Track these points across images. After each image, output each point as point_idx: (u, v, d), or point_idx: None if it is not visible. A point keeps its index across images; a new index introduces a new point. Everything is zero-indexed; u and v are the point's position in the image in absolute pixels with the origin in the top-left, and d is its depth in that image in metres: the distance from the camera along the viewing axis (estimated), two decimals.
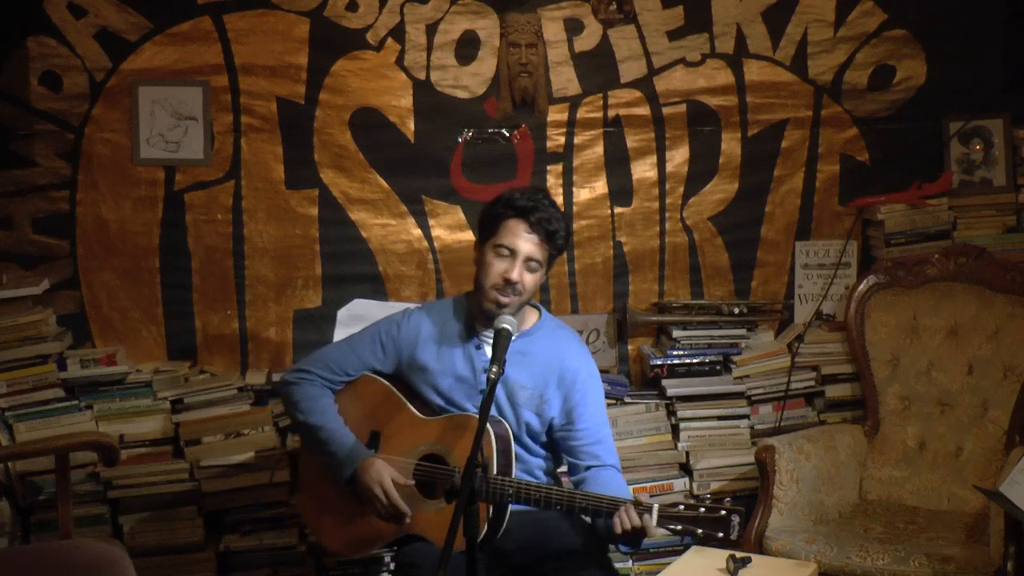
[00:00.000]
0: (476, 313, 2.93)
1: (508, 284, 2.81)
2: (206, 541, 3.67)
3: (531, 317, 2.99)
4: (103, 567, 2.72)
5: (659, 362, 3.89)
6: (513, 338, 2.87)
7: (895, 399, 3.77)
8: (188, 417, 3.68)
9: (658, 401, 3.87)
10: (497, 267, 2.83)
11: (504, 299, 2.82)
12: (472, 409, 2.87)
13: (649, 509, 2.58)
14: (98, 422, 3.66)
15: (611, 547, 2.89)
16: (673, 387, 3.85)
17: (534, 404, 2.91)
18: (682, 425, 3.84)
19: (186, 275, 3.85)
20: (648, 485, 3.74)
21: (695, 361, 3.89)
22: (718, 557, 2.65)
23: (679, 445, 3.84)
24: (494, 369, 2.51)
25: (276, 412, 3.72)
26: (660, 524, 2.57)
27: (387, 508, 2.79)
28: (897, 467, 3.69)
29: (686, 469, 3.84)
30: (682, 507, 2.58)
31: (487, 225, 2.89)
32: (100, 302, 3.82)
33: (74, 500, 3.22)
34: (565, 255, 3.84)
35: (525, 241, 2.83)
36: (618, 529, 2.60)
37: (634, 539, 2.63)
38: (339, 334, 3.48)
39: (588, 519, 2.84)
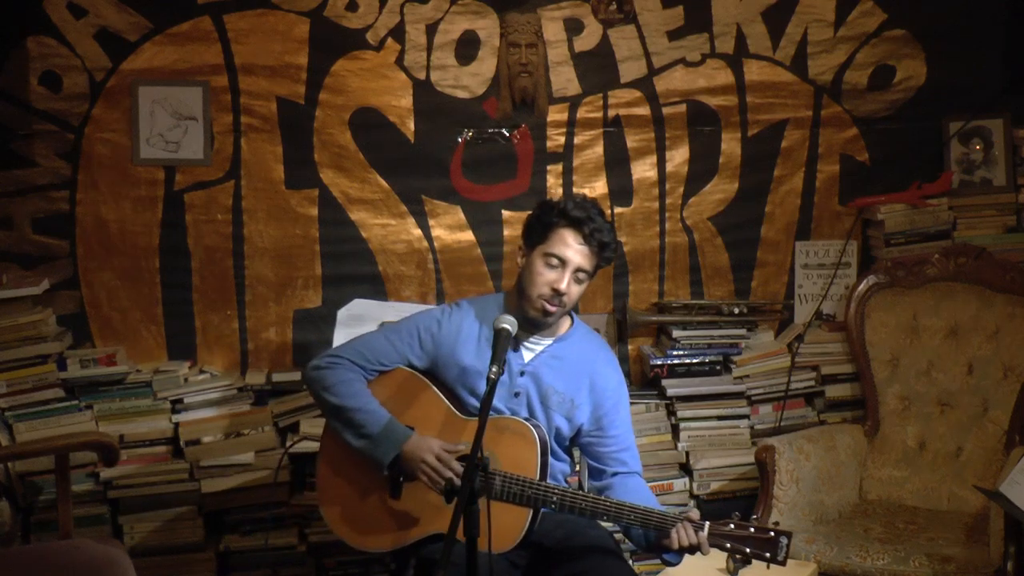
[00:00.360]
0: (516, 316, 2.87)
1: (556, 294, 2.80)
2: (206, 541, 3.67)
3: (565, 322, 2.98)
4: (103, 567, 2.72)
5: (659, 362, 3.89)
6: (549, 343, 2.90)
7: (895, 399, 3.77)
8: (188, 417, 3.69)
9: (658, 401, 3.87)
10: (546, 276, 2.81)
11: (551, 307, 2.81)
12: (506, 411, 2.85)
13: (702, 526, 2.59)
14: (98, 422, 3.65)
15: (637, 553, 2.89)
16: (673, 387, 3.85)
17: (565, 409, 2.90)
18: (682, 425, 3.85)
19: (186, 275, 3.84)
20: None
21: (695, 361, 3.89)
22: (718, 557, 2.65)
23: (679, 445, 3.85)
24: (494, 369, 2.49)
25: (276, 412, 3.73)
26: (710, 541, 2.58)
27: (443, 474, 2.71)
28: (897, 467, 3.69)
29: (686, 469, 3.85)
30: (732, 526, 2.58)
31: (537, 231, 2.85)
32: (100, 302, 3.82)
33: (74, 500, 3.22)
34: None
35: (576, 252, 2.81)
36: (675, 545, 2.59)
37: (689, 553, 2.63)
38: (339, 334, 3.48)
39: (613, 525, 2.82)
